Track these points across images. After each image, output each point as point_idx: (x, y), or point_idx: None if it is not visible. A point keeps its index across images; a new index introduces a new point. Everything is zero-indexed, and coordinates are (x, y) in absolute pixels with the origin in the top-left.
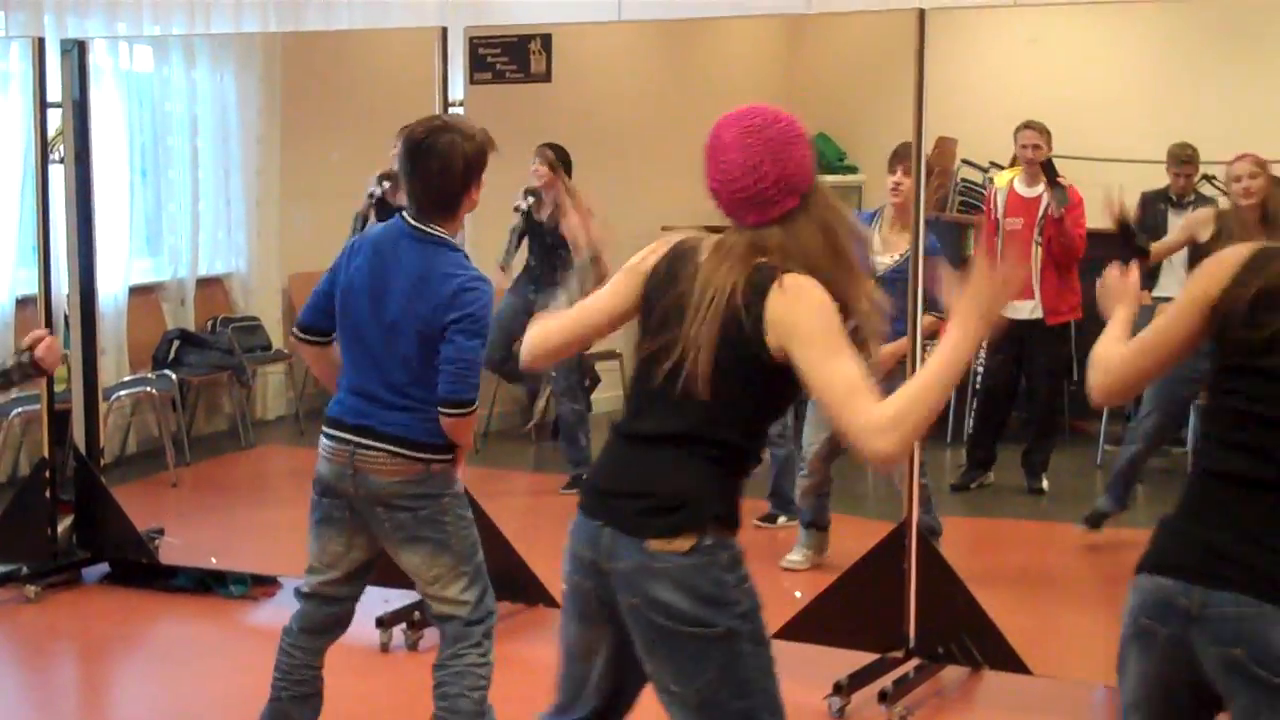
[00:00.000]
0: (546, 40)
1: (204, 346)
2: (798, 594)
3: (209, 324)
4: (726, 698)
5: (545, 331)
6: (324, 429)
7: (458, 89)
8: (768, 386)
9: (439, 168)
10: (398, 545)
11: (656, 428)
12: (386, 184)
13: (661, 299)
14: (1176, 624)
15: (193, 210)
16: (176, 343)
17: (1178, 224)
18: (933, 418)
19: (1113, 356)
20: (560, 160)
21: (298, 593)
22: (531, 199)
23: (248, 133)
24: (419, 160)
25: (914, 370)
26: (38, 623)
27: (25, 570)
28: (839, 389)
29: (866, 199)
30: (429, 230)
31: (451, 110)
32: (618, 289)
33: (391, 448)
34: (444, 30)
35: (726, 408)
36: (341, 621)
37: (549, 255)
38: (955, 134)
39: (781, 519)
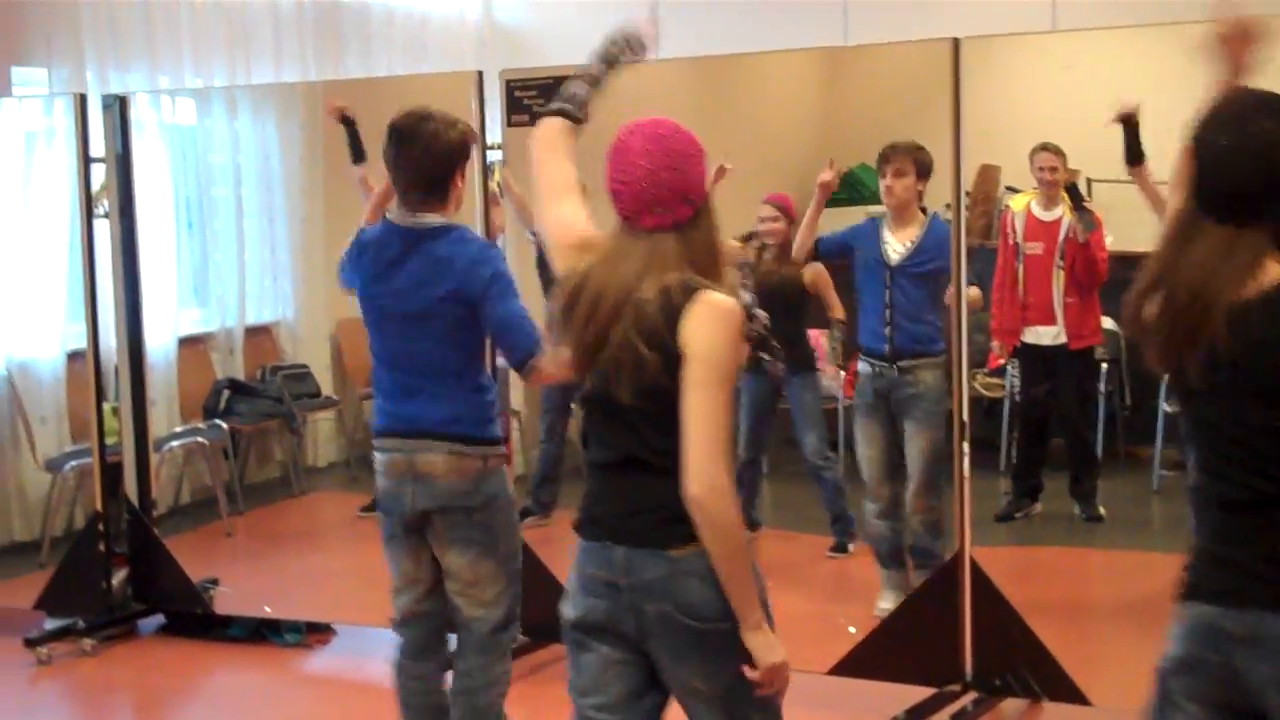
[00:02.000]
0: None
1: (254, 395)
2: (851, 629)
3: (258, 372)
4: (749, 688)
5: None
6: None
7: (496, 132)
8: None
9: (422, 151)
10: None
11: (616, 455)
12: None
13: (581, 308)
14: (1225, 649)
15: (239, 259)
16: (227, 392)
17: None
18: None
19: None
20: None
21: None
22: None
23: (291, 181)
24: (403, 147)
25: (959, 372)
26: (95, 676)
27: (81, 624)
28: (715, 426)
29: None
30: (421, 223)
31: (490, 154)
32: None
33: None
34: (480, 74)
35: (661, 423)
36: (440, 635)
37: None
38: (998, 161)
39: (851, 546)
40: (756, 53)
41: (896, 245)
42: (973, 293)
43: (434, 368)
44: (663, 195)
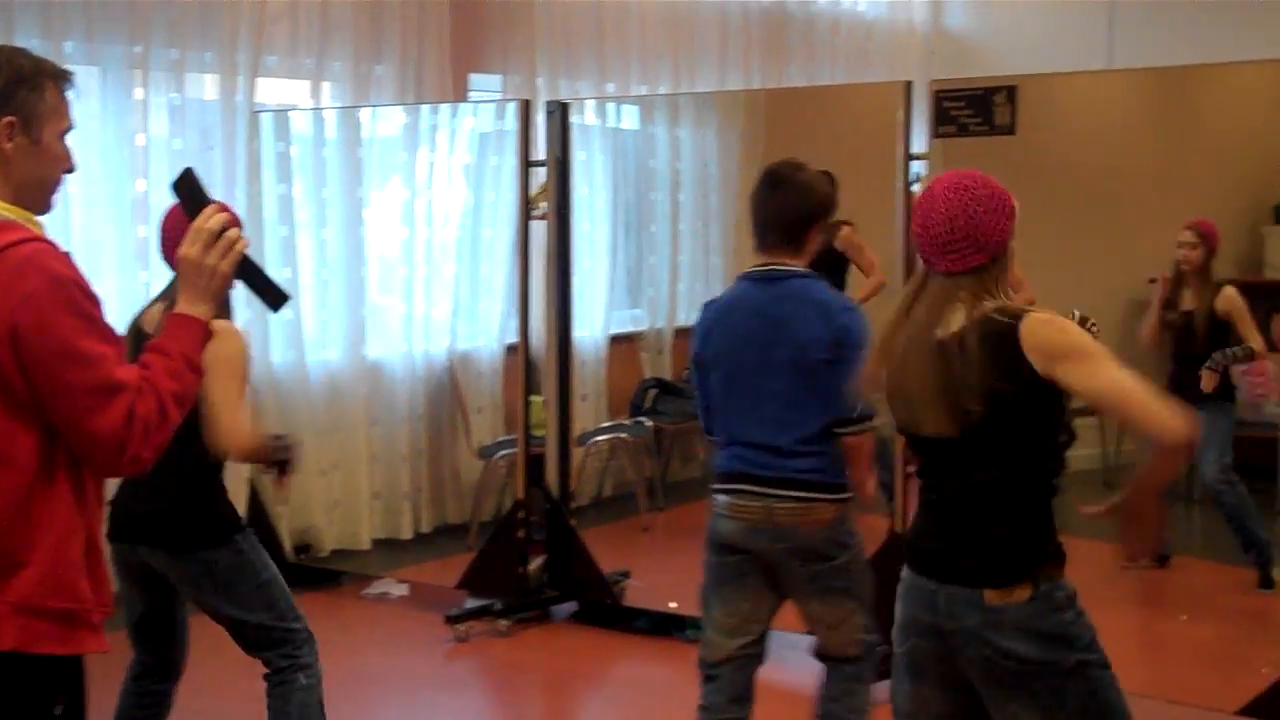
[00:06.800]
0: (1011, 92)
1: (679, 395)
2: (1265, 670)
3: (685, 373)
4: None
5: None
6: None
7: (920, 143)
8: (1035, 410)
9: (794, 198)
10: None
11: (951, 480)
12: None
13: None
14: None
15: (672, 262)
16: (653, 391)
17: None
18: None
19: None
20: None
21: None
22: None
23: (727, 186)
24: (775, 190)
25: None
26: (508, 656)
27: (498, 605)
28: (1134, 386)
29: None
30: (777, 268)
31: (912, 164)
32: None
33: (806, 494)
34: (908, 84)
35: (1005, 441)
36: (754, 679)
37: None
38: None
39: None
40: (1214, 64)
41: None
42: None
43: (792, 415)
44: (956, 240)
